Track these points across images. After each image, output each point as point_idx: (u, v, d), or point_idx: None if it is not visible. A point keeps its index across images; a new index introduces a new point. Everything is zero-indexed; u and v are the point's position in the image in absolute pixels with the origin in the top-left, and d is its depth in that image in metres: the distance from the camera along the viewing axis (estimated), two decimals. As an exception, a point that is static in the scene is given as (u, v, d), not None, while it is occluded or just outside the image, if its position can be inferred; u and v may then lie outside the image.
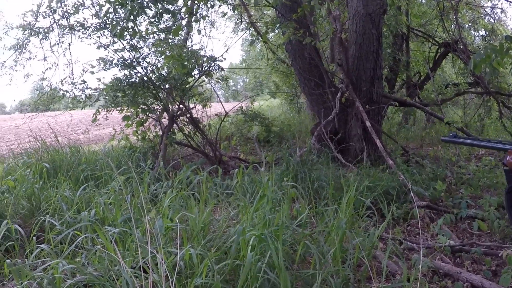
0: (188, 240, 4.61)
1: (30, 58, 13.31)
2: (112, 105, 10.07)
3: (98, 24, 9.32)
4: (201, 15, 10.03)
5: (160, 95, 10.15)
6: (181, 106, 10.08)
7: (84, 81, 10.24)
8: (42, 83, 13.52)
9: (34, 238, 4.97)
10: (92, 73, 9.71)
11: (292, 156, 8.22)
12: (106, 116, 10.53)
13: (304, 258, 4.64)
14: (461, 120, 13.51)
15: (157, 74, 9.97)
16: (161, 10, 8.69)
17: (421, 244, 5.23)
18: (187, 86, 10.18)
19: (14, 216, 5.86)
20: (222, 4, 10.22)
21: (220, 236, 4.79)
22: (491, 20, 18.25)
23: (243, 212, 5.34)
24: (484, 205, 6.42)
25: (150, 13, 9.02)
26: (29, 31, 11.85)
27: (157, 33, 9.92)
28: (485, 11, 18.46)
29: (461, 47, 13.24)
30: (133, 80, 9.64)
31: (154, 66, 10.01)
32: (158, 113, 10.38)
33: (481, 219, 6.25)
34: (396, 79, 16.56)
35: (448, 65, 19.75)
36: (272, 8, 13.37)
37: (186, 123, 10.50)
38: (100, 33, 9.36)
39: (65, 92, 10.81)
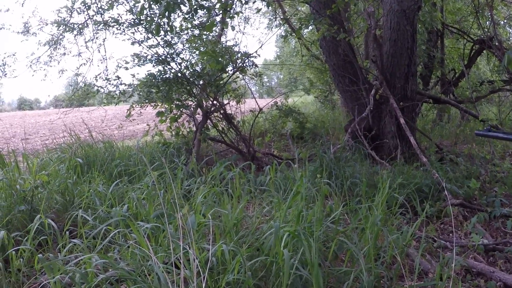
0: (221, 236, 4.61)
1: (64, 54, 13.41)
2: (146, 100, 10.12)
3: (132, 20, 9.36)
4: (235, 11, 10.03)
5: (194, 91, 10.17)
6: (215, 102, 10.09)
7: (118, 77, 10.31)
8: (76, 78, 13.60)
9: (67, 232, 5.00)
10: (126, 69, 9.76)
11: (325, 152, 8.19)
12: (140, 112, 10.59)
13: (337, 255, 4.62)
14: (496, 118, 13.34)
15: (191, 70, 9.97)
16: (195, 6, 8.71)
17: (454, 242, 5.19)
18: (221, 82, 10.18)
19: (47, 210, 5.91)
20: (257, 0, 10.22)
21: (252, 232, 4.78)
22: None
23: (276, 209, 5.33)
24: (518, 203, 6.35)
25: (185, 9, 9.04)
26: (64, 27, 11.94)
27: (191, 29, 9.93)
28: (521, 7, 18.25)
29: (496, 44, 13.09)
30: (167, 76, 9.67)
31: (188, 62, 10.03)
32: (192, 109, 10.39)
33: (515, 217, 6.18)
34: (430, 76, 16.40)
35: (483, 62, 19.53)
36: (306, 4, 13.34)
37: (220, 119, 10.51)
38: (135, 29, 9.40)
39: (99, 88, 10.89)
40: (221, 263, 4.06)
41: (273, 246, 4.10)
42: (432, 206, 6.55)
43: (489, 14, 13.73)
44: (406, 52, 9.46)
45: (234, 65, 10.20)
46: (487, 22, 15.11)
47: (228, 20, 9.58)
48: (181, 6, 8.40)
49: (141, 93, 10.14)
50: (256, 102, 12.16)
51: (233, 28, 12.04)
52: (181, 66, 9.76)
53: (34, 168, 6.34)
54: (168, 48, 9.53)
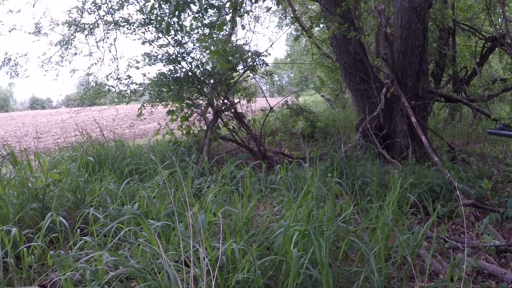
0: (231, 235, 4.61)
1: (75, 54, 13.48)
2: (157, 100, 10.16)
3: (142, 20, 9.38)
4: (245, 10, 10.04)
5: (204, 90, 10.18)
6: (225, 101, 10.11)
7: (129, 76, 10.37)
8: (87, 78, 13.68)
9: (78, 230, 5.04)
10: (137, 68, 9.80)
11: (336, 152, 8.18)
12: (151, 111, 10.64)
13: (347, 255, 4.61)
14: (509, 117, 13.30)
15: (202, 69, 10.00)
16: (205, 5, 8.73)
17: (465, 243, 5.19)
18: (231, 81, 10.19)
19: (59, 208, 5.92)
20: (266, -2, 10.24)
21: (263, 231, 4.78)
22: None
23: (287, 208, 5.33)
24: (531, 204, 6.32)
25: (195, 8, 9.06)
26: (75, 27, 12.00)
27: (202, 28, 9.95)
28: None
29: (509, 41, 13.03)
30: (178, 75, 9.69)
31: (199, 61, 10.05)
32: (202, 108, 10.41)
33: (528, 218, 6.15)
34: (442, 74, 16.31)
35: (495, 60, 19.45)
36: (316, 3, 13.33)
37: (230, 118, 10.52)
38: (145, 29, 9.42)
39: (110, 87, 10.96)
40: (231, 261, 4.06)
41: (283, 245, 4.10)
42: (444, 206, 6.53)
43: (501, 11, 13.67)
44: (417, 50, 9.43)
45: (244, 64, 10.21)
46: (499, 19, 15.05)
47: (238, 19, 9.58)
48: (191, 5, 8.42)
49: (152, 92, 10.16)
50: (267, 101, 12.15)
51: (243, 27, 12.10)
52: (191, 65, 9.78)
53: (46, 167, 6.37)
54: (178, 47, 9.55)
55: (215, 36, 9.93)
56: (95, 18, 11.88)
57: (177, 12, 8.19)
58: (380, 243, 4.35)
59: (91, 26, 12.09)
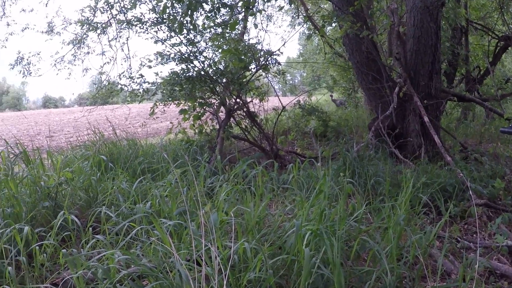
0: (243, 234, 4.61)
1: (88, 53, 13.53)
2: (170, 99, 10.18)
3: (155, 19, 9.40)
4: (258, 9, 10.03)
5: (217, 89, 10.18)
6: (238, 100, 10.10)
7: (141, 75, 10.38)
8: (100, 77, 13.71)
9: (90, 228, 5.05)
10: (150, 67, 9.83)
11: (349, 151, 8.17)
12: (164, 110, 10.65)
13: (359, 254, 4.60)
14: (521, 116, 13.25)
15: (214, 68, 10.01)
16: (218, 4, 8.73)
17: (478, 243, 5.17)
18: (244, 80, 10.20)
19: (71, 207, 5.95)
20: (279, -3, 10.25)
21: (275, 230, 4.78)
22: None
23: (299, 207, 5.32)
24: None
25: (207, 7, 9.06)
26: (87, 26, 12.04)
27: (214, 27, 9.95)
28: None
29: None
30: (190, 74, 9.71)
31: (211, 60, 10.06)
32: (215, 107, 10.42)
33: (541, 218, 6.12)
34: (455, 73, 16.26)
35: (509, 59, 19.42)
36: (329, 2, 13.32)
37: (243, 117, 10.53)
38: (158, 28, 9.43)
39: (123, 86, 10.97)
40: (243, 261, 4.06)
41: (295, 245, 4.09)
42: (456, 206, 6.51)
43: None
44: (430, 49, 9.41)
45: (257, 63, 10.22)
46: (512, 18, 15.01)
47: (250, 18, 9.58)
48: (204, 4, 8.42)
49: (164, 91, 10.19)
50: (279, 100, 12.15)
51: (255, 26, 12.11)
52: (204, 64, 9.79)
53: (58, 165, 6.39)
54: (191, 46, 9.55)
55: (228, 35, 9.93)
56: (108, 17, 11.92)
57: (189, 11, 8.20)
58: (392, 242, 4.34)
59: (103, 25, 12.13)
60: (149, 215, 5.03)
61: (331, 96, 25.50)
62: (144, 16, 9.69)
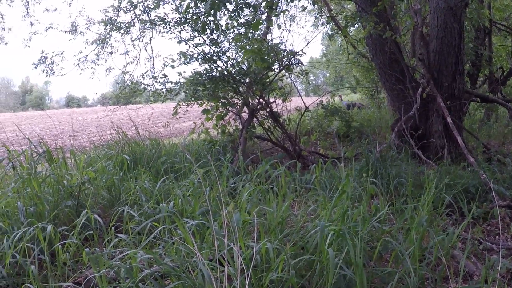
0: (265, 234, 4.60)
1: (111, 53, 13.62)
2: (193, 98, 10.19)
3: (178, 19, 9.41)
4: (281, 9, 10.03)
5: (240, 89, 10.17)
6: (261, 100, 10.09)
7: (165, 75, 10.42)
8: (123, 76, 13.76)
9: (113, 228, 5.05)
10: (173, 67, 9.84)
11: (371, 152, 8.14)
12: (187, 110, 10.67)
13: (381, 255, 4.58)
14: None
15: (237, 68, 10.00)
16: (241, 5, 8.73)
17: (500, 244, 5.11)
18: (267, 80, 10.19)
19: (94, 206, 5.98)
20: (302, -2, 10.25)
21: (297, 231, 4.76)
22: None
23: (322, 207, 5.31)
24: None
25: (230, 7, 9.06)
26: (111, 26, 12.10)
27: (237, 27, 9.96)
28: None
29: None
30: (213, 74, 9.70)
31: (234, 60, 10.06)
32: (238, 107, 10.43)
33: None
34: (478, 74, 16.14)
35: (532, 60, 19.22)
36: (352, 2, 13.30)
37: (266, 117, 10.50)
38: (181, 28, 9.44)
39: (146, 86, 11.02)
40: (265, 261, 4.05)
41: (318, 245, 4.08)
42: (479, 207, 6.46)
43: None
44: (453, 50, 9.35)
45: (280, 63, 10.20)
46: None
47: (273, 18, 9.57)
48: (227, 4, 8.43)
49: (187, 91, 10.21)
50: (302, 100, 12.11)
51: (279, 26, 12.05)
52: (227, 64, 9.78)
53: (81, 165, 6.42)
54: (214, 46, 9.55)
55: (251, 35, 9.92)
56: (131, 17, 11.98)
57: (212, 11, 8.22)
58: (415, 244, 4.31)
59: (127, 25, 12.18)
60: (172, 214, 5.04)
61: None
62: (167, 16, 9.72)
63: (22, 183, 5.81)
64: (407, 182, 6.78)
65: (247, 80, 10.18)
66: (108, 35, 12.89)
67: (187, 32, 9.59)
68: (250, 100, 10.11)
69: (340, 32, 15.42)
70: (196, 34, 9.36)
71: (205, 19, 8.93)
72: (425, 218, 4.74)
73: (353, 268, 3.79)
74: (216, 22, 9.14)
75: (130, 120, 13.48)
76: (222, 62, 9.73)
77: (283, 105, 11.48)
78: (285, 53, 10.21)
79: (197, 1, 8.80)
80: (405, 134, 9.20)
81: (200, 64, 9.74)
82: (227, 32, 9.94)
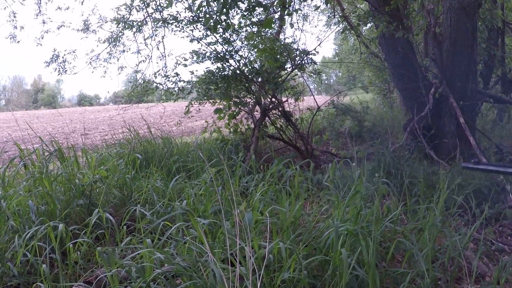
0: (278, 234, 4.59)
1: (124, 51, 13.67)
2: (205, 97, 10.17)
3: (191, 18, 9.40)
4: (294, 9, 10.01)
5: (252, 88, 10.16)
6: (273, 99, 10.07)
7: (177, 74, 10.40)
8: (135, 75, 13.81)
9: (125, 227, 5.05)
10: (185, 66, 9.83)
11: (384, 151, 8.11)
12: (199, 109, 10.65)
13: (393, 255, 4.56)
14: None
15: (250, 67, 9.99)
16: (253, 3, 8.71)
17: (513, 246, 5.09)
18: (279, 79, 10.16)
19: (105, 205, 5.96)
20: (315, -3, 10.25)
21: (310, 231, 4.74)
22: None
23: (334, 207, 5.28)
24: None
25: (243, 6, 9.05)
26: (123, 25, 12.12)
27: (250, 26, 9.94)
28: None
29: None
30: (225, 73, 9.69)
31: (247, 59, 10.03)
32: (250, 106, 10.41)
33: None
34: (491, 75, 16.07)
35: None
36: (365, 2, 13.25)
37: (278, 117, 10.48)
38: (193, 26, 9.43)
39: (158, 85, 11.01)
40: (277, 261, 4.03)
41: (332, 245, 4.06)
42: (491, 208, 6.43)
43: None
44: (466, 50, 9.32)
45: (292, 62, 10.17)
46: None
47: (286, 17, 9.55)
48: (239, 3, 8.41)
49: (199, 90, 10.20)
50: (315, 99, 12.09)
51: (291, 25, 12.03)
52: (239, 63, 9.77)
53: (93, 163, 6.41)
54: (226, 45, 9.54)
55: (263, 34, 9.90)
56: (144, 15, 12.01)
57: (225, 9, 8.20)
58: (428, 244, 4.29)
59: (139, 24, 12.20)
60: (187, 212, 5.02)
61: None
62: (180, 14, 9.70)
63: (34, 182, 5.81)
64: (419, 182, 6.75)
65: (260, 79, 10.17)
66: (120, 34, 12.94)
67: (199, 31, 9.59)
68: (262, 99, 10.09)
69: (352, 31, 15.38)
70: (208, 33, 9.35)
71: (217, 17, 8.92)
72: (439, 219, 4.72)
73: (366, 268, 3.77)
74: (228, 21, 9.13)
75: (142, 119, 13.46)
76: (234, 61, 9.72)
77: (296, 104, 11.45)
78: (297, 52, 10.18)
79: (209, 0, 8.79)
80: (418, 134, 9.17)
81: (212, 63, 9.74)
82: (240, 31, 9.92)
